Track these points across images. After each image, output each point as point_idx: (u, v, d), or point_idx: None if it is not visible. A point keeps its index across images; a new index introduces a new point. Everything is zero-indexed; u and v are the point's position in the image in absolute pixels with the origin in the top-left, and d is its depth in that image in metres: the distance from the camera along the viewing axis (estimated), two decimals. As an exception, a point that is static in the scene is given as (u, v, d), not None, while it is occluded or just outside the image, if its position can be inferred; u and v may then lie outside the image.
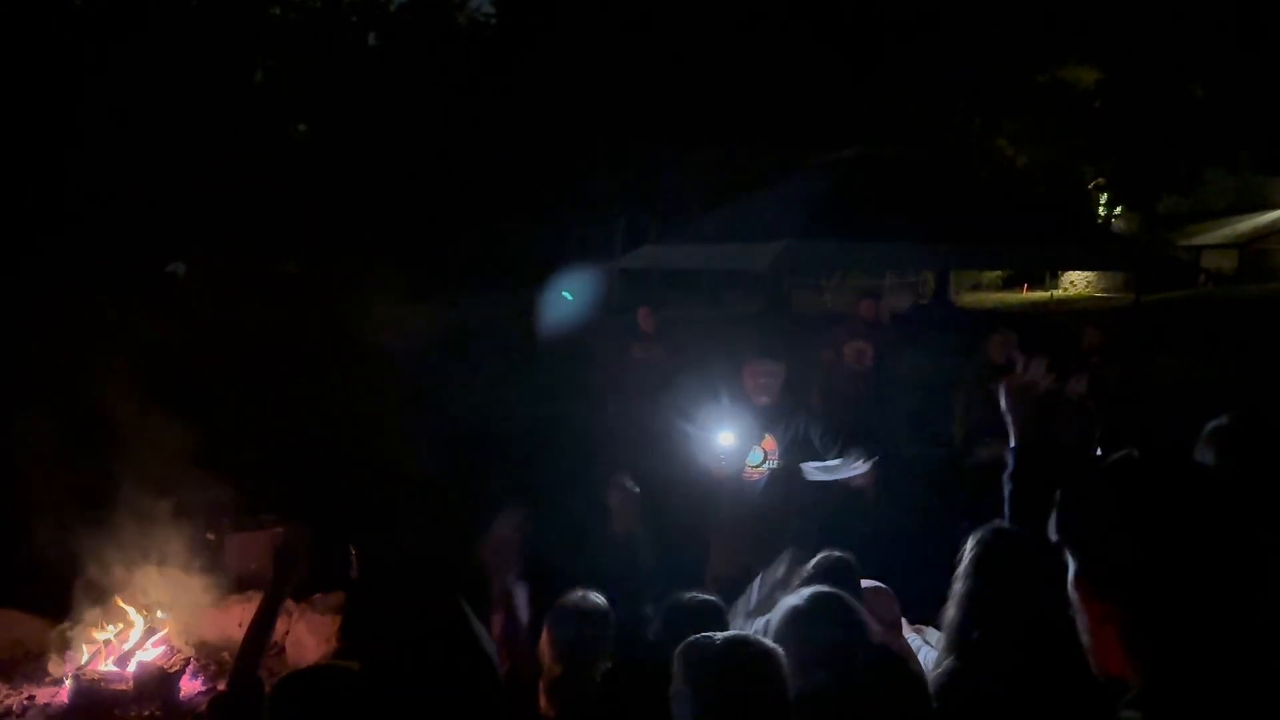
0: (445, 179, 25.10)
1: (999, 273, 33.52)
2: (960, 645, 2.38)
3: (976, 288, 34.11)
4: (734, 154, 23.79)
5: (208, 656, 5.55)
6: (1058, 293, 32.75)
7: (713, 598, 2.89)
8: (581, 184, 25.68)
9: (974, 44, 25.38)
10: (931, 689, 2.29)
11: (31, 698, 5.00)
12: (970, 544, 2.51)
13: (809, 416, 4.77)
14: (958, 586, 2.45)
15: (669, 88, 24.79)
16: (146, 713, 4.82)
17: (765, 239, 9.03)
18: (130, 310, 7.26)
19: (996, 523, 2.60)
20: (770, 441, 4.69)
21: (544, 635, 2.80)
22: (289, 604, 5.80)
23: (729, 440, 4.60)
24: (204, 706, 4.53)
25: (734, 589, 3.59)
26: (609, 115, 24.86)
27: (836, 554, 3.04)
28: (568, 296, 5.38)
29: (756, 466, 4.71)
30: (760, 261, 8.95)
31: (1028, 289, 33.85)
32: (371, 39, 30.33)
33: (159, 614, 5.49)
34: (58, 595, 5.53)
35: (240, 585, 5.93)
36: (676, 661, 1.96)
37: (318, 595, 5.87)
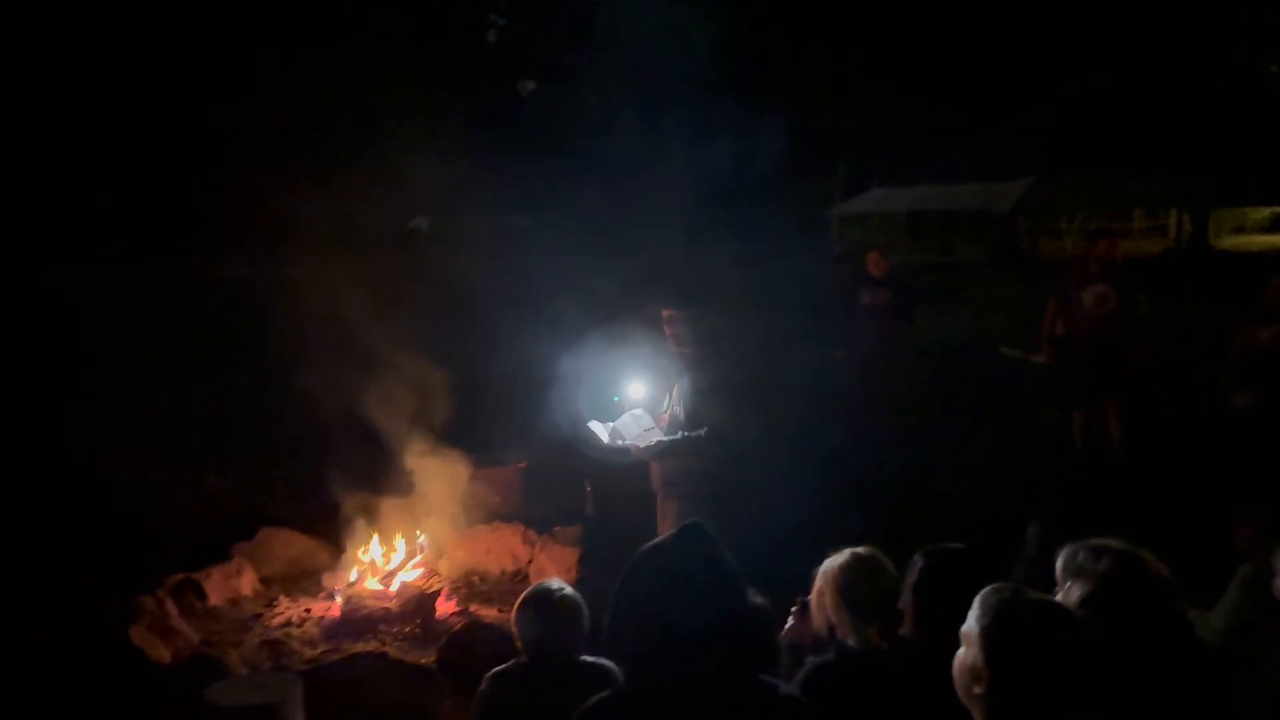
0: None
1: (1267, 212, 29.93)
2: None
3: (1240, 230, 30.68)
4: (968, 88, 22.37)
5: (460, 580, 5.93)
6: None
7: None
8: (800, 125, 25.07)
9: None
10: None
11: (308, 611, 5.50)
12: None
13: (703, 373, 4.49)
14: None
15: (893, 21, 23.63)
16: (407, 629, 5.17)
17: (1004, 177, 8.47)
18: (385, 263, 7.79)
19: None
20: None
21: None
22: (532, 534, 6.13)
23: (639, 391, 4.58)
24: (457, 627, 4.84)
25: None
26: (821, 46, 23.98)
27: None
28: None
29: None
30: (999, 202, 8.43)
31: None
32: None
33: (418, 539, 5.91)
34: (329, 519, 6.11)
35: (487, 516, 6.30)
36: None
37: (558, 528, 6.16)
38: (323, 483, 6.20)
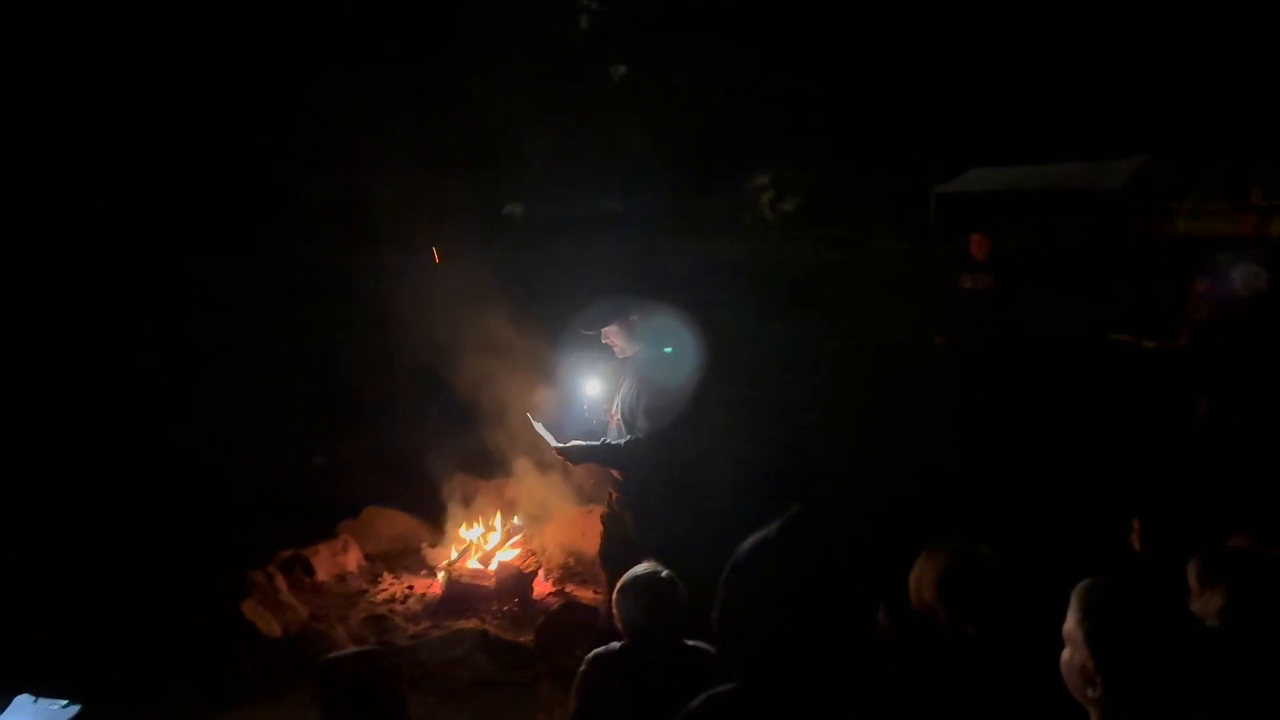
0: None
1: None
2: None
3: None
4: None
5: (556, 561, 6.00)
6: None
7: None
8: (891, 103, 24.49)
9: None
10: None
11: (410, 588, 5.65)
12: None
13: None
14: None
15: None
16: (505, 607, 5.27)
17: (1117, 154, 8.10)
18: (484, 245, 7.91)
19: None
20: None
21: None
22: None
23: (595, 389, 4.51)
24: (554, 607, 4.90)
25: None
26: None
27: None
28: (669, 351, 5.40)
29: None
30: (1109, 181, 8.06)
31: None
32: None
33: (515, 520, 6.01)
34: (430, 499, 6.26)
35: (584, 498, 6.35)
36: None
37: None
38: (425, 464, 6.35)
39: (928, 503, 6.07)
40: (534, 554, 5.77)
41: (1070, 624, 1.85)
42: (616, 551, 4.25)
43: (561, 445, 4.31)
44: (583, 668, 2.92)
